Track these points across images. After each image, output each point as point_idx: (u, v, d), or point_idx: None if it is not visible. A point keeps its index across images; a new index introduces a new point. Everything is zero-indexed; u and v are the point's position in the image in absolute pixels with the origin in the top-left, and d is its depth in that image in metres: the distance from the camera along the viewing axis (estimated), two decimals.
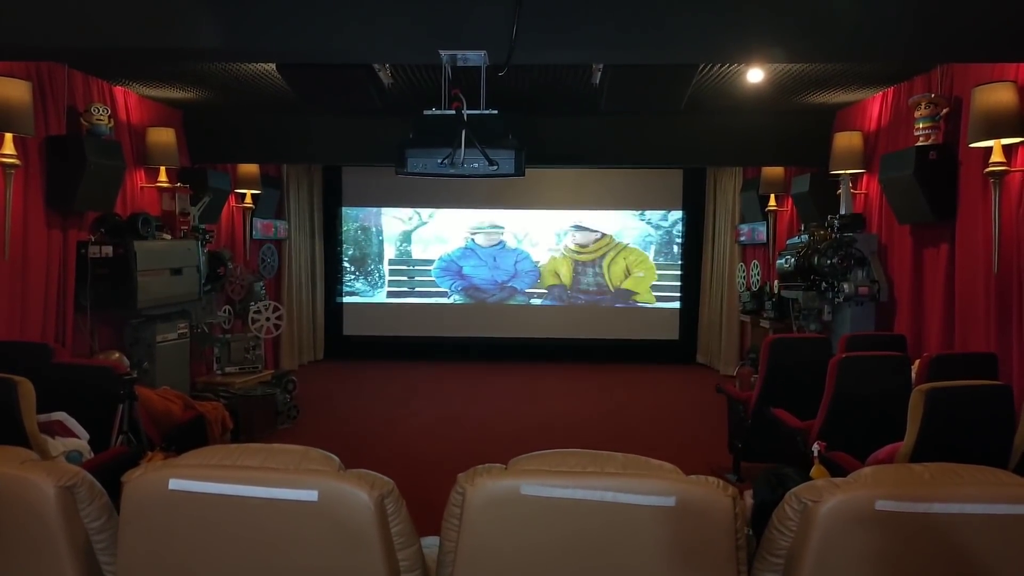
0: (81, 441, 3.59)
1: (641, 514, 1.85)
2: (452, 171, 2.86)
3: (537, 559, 1.91)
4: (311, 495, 1.86)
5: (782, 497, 1.95)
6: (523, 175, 2.95)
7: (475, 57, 2.98)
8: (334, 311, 10.43)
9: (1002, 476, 1.91)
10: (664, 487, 1.85)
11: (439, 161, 2.85)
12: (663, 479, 1.87)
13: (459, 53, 2.98)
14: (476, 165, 2.89)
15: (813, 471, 3.14)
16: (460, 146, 2.81)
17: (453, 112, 2.88)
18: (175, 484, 1.90)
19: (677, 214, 10.27)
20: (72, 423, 3.62)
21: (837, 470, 3.18)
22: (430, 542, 2.13)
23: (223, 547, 1.93)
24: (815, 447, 3.49)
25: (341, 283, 10.48)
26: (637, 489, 1.85)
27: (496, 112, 2.96)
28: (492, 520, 1.90)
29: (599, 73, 4.65)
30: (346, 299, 10.49)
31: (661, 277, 10.36)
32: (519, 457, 1.97)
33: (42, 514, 1.98)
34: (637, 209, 10.28)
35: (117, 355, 4.79)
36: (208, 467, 1.93)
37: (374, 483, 1.89)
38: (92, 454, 3.57)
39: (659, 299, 10.36)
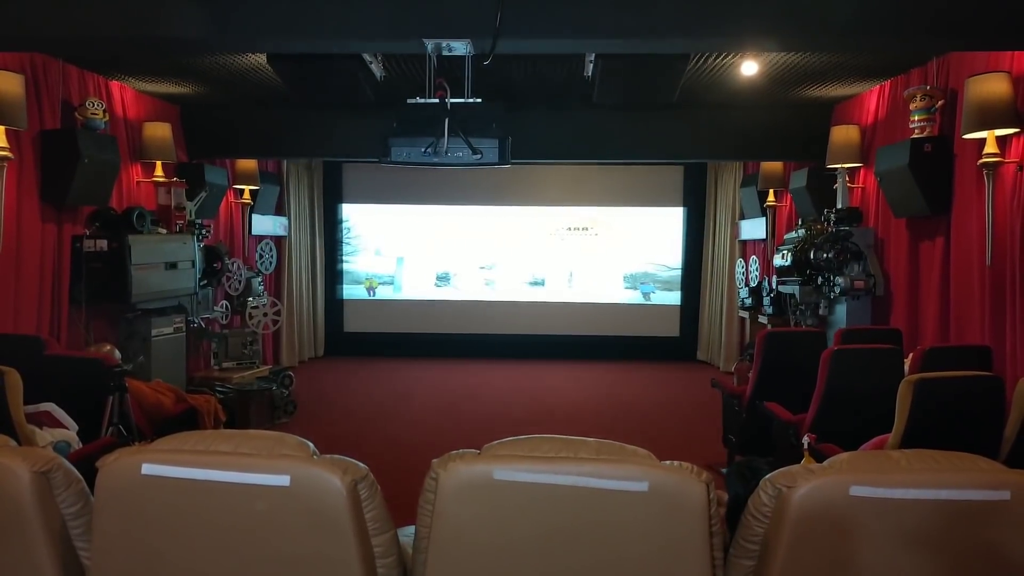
0: (69, 432, 3.59)
1: (614, 499, 1.83)
2: (436, 160, 2.85)
3: (510, 544, 1.90)
4: (283, 480, 1.85)
5: (755, 488, 1.93)
6: (508, 164, 2.95)
7: (459, 46, 2.97)
8: (335, 308, 10.43)
9: (979, 462, 1.89)
10: (637, 472, 1.83)
11: (423, 150, 2.84)
12: (636, 464, 1.86)
13: (443, 42, 2.97)
14: (460, 154, 2.88)
15: (802, 463, 3.12)
16: (444, 135, 2.80)
17: (436, 100, 2.87)
18: (148, 469, 1.89)
19: (678, 210, 10.25)
20: (60, 413, 3.62)
21: None
22: (413, 531, 2.12)
23: (196, 532, 1.93)
24: (805, 439, 3.49)
25: (342, 280, 10.48)
26: (610, 475, 1.83)
27: (480, 100, 2.95)
28: (465, 505, 1.89)
29: (591, 65, 4.63)
30: (347, 296, 10.49)
31: (662, 274, 10.34)
32: (493, 443, 1.96)
33: (17, 499, 1.97)
34: (638, 205, 10.25)
35: (108, 347, 4.80)
36: (181, 452, 1.92)
37: (347, 468, 1.88)
38: (80, 444, 3.57)
39: (660, 296, 10.34)
